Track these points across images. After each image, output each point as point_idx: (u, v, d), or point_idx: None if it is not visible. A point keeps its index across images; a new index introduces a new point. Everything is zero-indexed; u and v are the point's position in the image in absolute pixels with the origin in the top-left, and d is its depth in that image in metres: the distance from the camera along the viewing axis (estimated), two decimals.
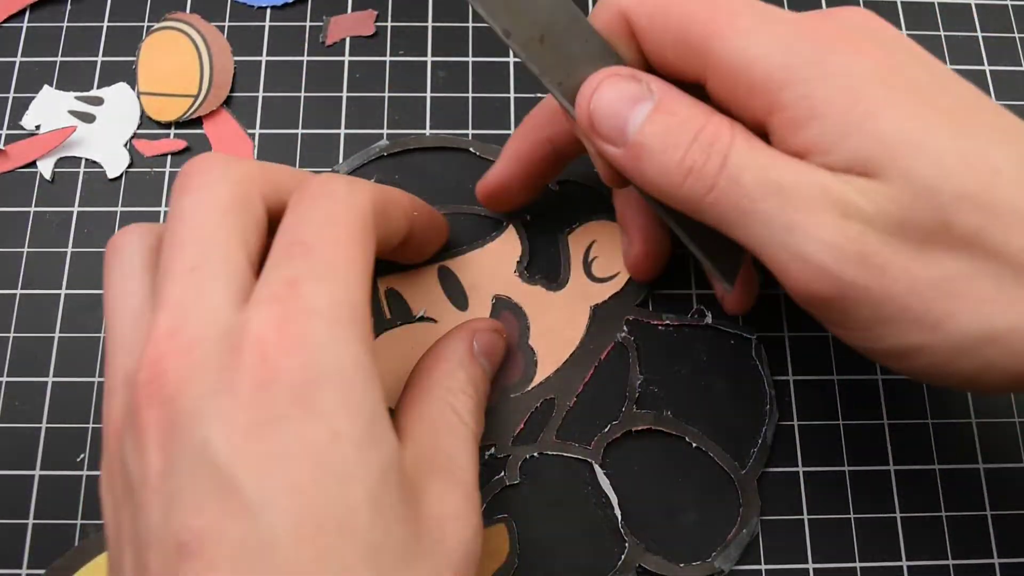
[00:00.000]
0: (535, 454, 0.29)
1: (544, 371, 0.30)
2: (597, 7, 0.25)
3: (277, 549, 0.17)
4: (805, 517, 0.30)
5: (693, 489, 0.29)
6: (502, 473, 0.29)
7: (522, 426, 0.30)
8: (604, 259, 0.31)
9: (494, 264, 0.31)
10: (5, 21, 0.35)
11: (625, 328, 0.31)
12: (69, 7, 0.35)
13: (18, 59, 0.34)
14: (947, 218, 0.20)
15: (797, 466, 0.30)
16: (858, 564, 0.29)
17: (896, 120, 0.20)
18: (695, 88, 0.23)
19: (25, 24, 0.35)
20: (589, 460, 0.29)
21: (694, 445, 0.30)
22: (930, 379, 0.22)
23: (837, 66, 0.21)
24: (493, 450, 0.29)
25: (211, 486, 0.17)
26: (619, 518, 0.28)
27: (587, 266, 0.31)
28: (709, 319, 0.31)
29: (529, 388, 0.30)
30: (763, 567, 0.29)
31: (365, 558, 0.18)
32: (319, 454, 0.18)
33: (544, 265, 0.31)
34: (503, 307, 0.31)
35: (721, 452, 0.30)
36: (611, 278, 0.31)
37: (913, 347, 0.21)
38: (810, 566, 0.29)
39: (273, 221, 0.22)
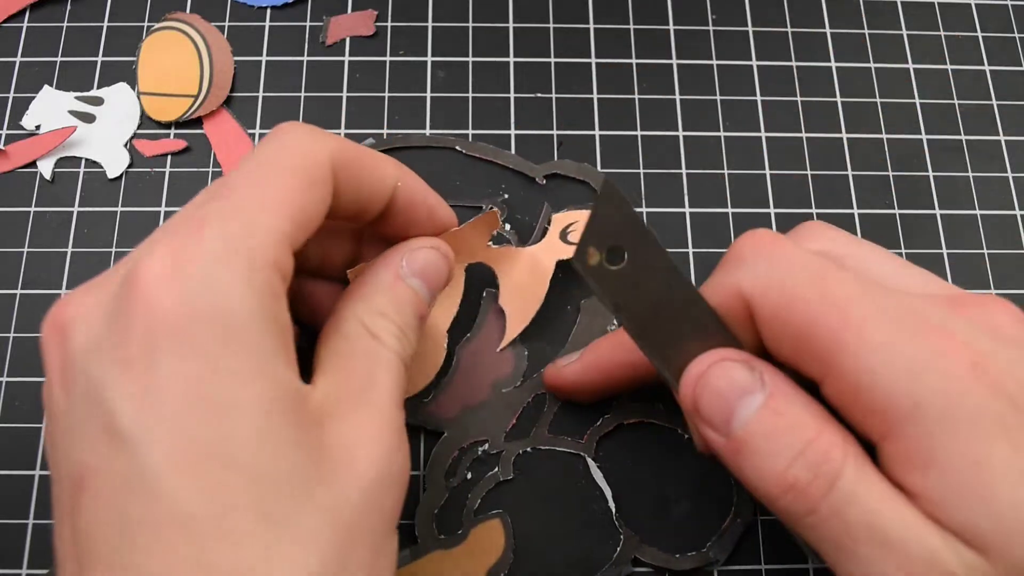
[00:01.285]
0: (528, 449, 0.29)
1: (513, 330, 0.30)
2: (713, 283, 0.24)
3: (158, 481, 0.17)
4: None
5: (687, 480, 0.29)
6: (496, 469, 0.29)
7: (514, 421, 0.30)
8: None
9: (472, 240, 0.30)
10: (5, 21, 0.35)
11: (616, 322, 0.31)
12: (69, 7, 0.35)
13: (18, 59, 0.34)
14: None
15: None
16: None
17: (1016, 498, 0.19)
18: (810, 383, 0.22)
19: (25, 24, 0.35)
20: (582, 454, 0.29)
21: (686, 436, 0.30)
22: None
23: (964, 413, 0.19)
24: (486, 446, 0.29)
25: (100, 423, 0.18)
26: (613, 511, 0.29)
27: (563, 234, 0.31)
28: None
29: (520, 383, 0.30)
30: (763, 567, 0.29)
31: (249, 487, 0.18)
32: (197, 388, 0.18)
33: (521, 234, 0.32)
34: (493, 301, 0.31)
35: None
36: None
37: None
38: (810, 566, 0.29)
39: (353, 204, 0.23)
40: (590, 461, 0.29)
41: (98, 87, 0.34)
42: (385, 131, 0.34)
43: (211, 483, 0.18)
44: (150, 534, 0.17)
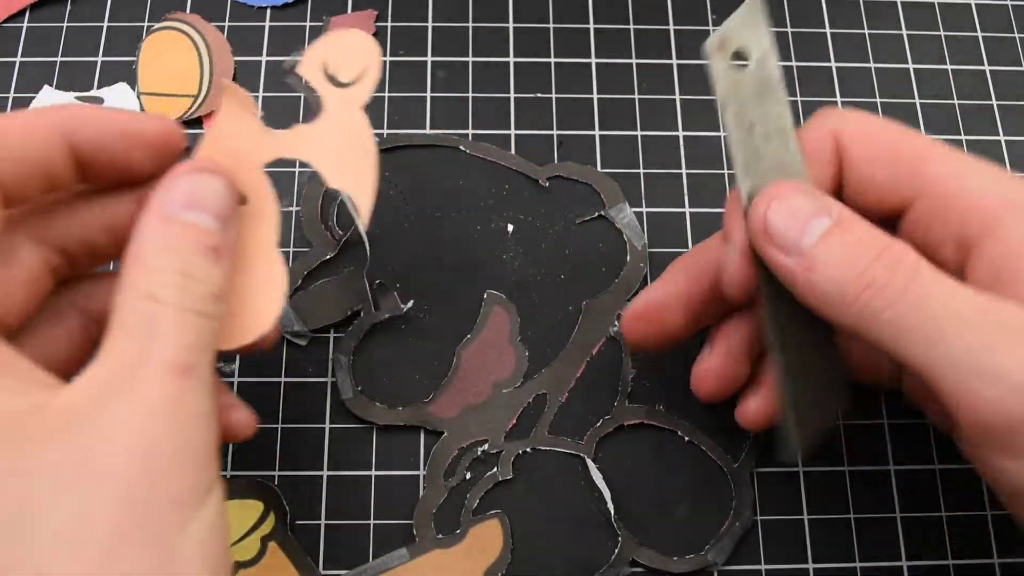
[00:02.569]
0: (528, 449, 0.29)
1: (364, 206, 0.25)
2: (809, 123, 0.25)
3: None
4: (805, 517, 0.30)
5: (686, 483, 0.29)
6: (495, 469, 0.29)
7: (514, 422, 0.30)
8: None
9: (237, 136, 0.26)
10: (5, 21, 0.35)
11: (616, 323, 0.31)
12: (69, 7, 0.35)
13: (18, 59, 0.34)
14: None
15: (797, 465, 0.30)
16: (858, 564, 0.29)
17: None
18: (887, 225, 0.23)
19: (25, 24, 0.35)
20: (582, 455, 0.29)
21: (686, 439, 0.30)
22: None
23: None
24: (486, 446, 0.29)
25: None
26: (612, 512, 0.29)
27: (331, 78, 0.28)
28: None
29: (520, 384, 0.30)
30: (763, 567, 0.29)
31: None
32: None
33: (523, 236, 0.32)
34: (494, 302, 0.31)
35: (713, 446, 0.30)
36: None
37: None
38: (810, 566, 0.29)
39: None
40: (589, 462, 0.29)
41: (98, 87, 0.34)
42: (385, 131, 0.34)
43: None
44: None
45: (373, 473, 0.29)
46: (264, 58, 0.35)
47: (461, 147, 0.33)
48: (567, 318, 0.31)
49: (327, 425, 0.30)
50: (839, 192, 0.25)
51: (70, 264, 0.23)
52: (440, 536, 0.28)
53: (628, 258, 0.32)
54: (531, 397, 0.30)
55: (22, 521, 0.17)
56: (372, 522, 0.29)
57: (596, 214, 0.32)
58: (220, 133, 0.24)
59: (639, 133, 0.34)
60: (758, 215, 0.23)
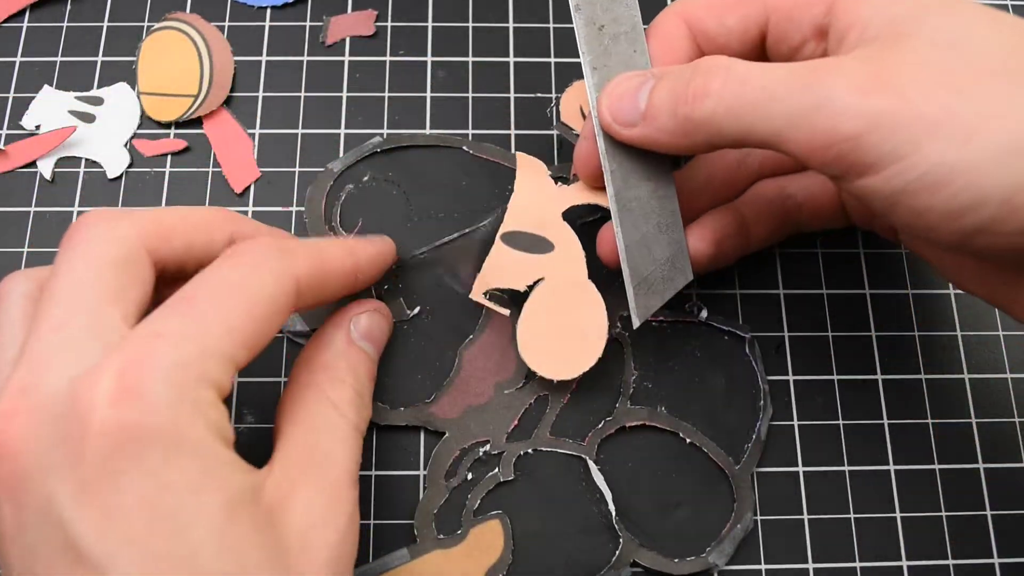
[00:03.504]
0: (529, 451, 0.29)
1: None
2: (659, 16, 0.28)
3: None
4: (805, 517, 0.30)
5: (687, 485, 0.29)
6: (496, 470, 0.29)
7: (516, 423, 0.30)
8: None
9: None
10: (5, 21, 0.35)
11: (619, 324, 0.31)
12: (69, 7, 0.35)
13: (18, 59, 0.34)
14: None
15: (797, 466, 0.30)
16: (858, 564, 0.29)
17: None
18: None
19: (25, 24, 0.35)
20: (583, 456, 0.29)
21: (688, 441, 0.30)
22: (963, 232, 0.21)
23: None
24: (487, 447, 0.29)
25: (58, 543, 0.18)
26: (613, 514, 0.29)
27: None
28: (704, 315, 0.31)
29: (522, 385, 0.30)
30: (763, 567, 0.29)
31: None
32: (156, 506, 0.19)
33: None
34: (496, 303, 0.31)
35: (715, 448, 0.30)
36: None
37: (945, 169, 0.20)
38: (810, 566, 0.29)
39: (181, 270, 0.23)
40: (591, 463, 0.29)
41: (98, 87, 0.34)
42: (385, 131, 0.34)
43: None
44: None
45: (373, 473, 0.29)
46: (264, 58, 0.35)
47: (464, 147, 0.33)
48: None
49: None
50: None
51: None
52: (441, 536, 0.28)
53: None
54: (533, 398, 0.30)
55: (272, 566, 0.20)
56: (372, 522, 0.29)
57: (599, 215, 0.32)
58: (522, 197, 0.30)
59: None
60: (602, 109, 0.26)
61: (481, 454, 0.29)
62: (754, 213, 0.30)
